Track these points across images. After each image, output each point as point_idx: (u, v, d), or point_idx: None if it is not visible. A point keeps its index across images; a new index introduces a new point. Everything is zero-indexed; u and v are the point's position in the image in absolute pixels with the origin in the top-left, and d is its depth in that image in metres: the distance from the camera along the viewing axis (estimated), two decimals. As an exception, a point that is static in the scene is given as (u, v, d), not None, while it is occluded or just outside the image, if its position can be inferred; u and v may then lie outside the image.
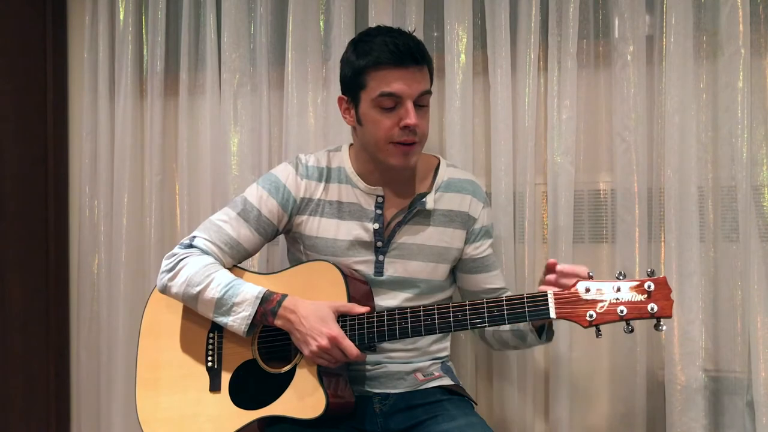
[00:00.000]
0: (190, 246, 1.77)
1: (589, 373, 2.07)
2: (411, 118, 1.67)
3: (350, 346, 1.61)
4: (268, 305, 1.66)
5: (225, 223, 1.79)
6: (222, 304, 1.67)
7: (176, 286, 1.73)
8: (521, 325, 1.74)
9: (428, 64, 1.73)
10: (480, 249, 1.85)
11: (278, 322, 1.66)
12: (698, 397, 1.91)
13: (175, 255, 1.76)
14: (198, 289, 1.69)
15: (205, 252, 1.76)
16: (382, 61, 1.67)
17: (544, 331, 1.74)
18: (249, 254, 1.83)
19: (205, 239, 1.77)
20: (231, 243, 1.78)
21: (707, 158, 1.96)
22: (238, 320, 1.66)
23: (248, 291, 1.67)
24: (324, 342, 1.60)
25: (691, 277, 1.92)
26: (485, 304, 1.59)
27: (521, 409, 2.06)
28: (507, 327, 1.78)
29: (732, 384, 1.94)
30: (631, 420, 1.99)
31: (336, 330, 1.61)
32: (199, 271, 1.71)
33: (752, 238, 1.89)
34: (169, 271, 1.75)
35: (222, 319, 1.68)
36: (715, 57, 1.95)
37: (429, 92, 1.73)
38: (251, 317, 1.65)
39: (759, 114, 1.92)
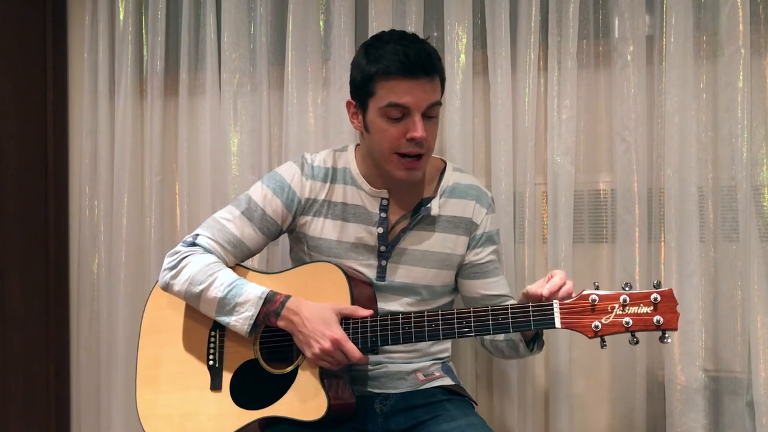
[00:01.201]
0: (193, 244, 1.77)
1: (589, 373, 2.07)
2: (418, 131, 1.65)
3: (353, 349, 1.60)
4: (271, 306, 1.66)
5: (229, 221, 1.78)
6: (225, 304, 1.67)
7: (178, 284, 1.73)
8: (513, 336, 1.73)
9: (440, 74, 1.71)
10: (480, 255, 1.83)
11: (281, 323, 1.65)
12: (698, 397, 1.91)
13: (177, 253, 1.76)
14: (201, 287, 1.69)
15: (208, 250, 1.75)
16: (392, 71, 1.64)
17: (535, 342, 1.72)
18: (252, 253, 1.83)
19: (209, 237, 1.77)
20: (234, 242, 1.77)
21: (707, 158, 1.96)
22: (240, 320, 1.66)
23: (251, 291, 1.67)
24: (326, 344, 1.60)
25: (691, 277, 1.92)
26: (490, 312, 1.58)
27: (521, 408, 2.06)
28: (502, 336, 1.78)
29: (732, 384, 1.94)
30: (631, 420, 1.99)
31: (339, 332, 1.61)
32: (202, 269, 1.70)
33: (752, 238, 1.89)
34: (172, 268, 1.74)
35: (224, 319, 1.68)
36: (715, 57, 1.95)
37: (439, 103, 1.71)
38: (254, 317, 1.65)
39: (759, 114, 1.92)
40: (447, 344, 1.89)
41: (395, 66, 1.64)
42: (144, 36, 2.39)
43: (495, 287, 1.84)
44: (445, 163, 1.87)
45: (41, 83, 2.45)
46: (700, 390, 1.91)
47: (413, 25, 2.11)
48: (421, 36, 1.77)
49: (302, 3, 2.21)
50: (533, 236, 2.06)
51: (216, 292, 1.67)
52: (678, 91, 1.94)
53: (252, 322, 1.65)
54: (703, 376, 1.92)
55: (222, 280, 1.68)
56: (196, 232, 1.80)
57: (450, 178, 1.83)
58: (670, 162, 1.94)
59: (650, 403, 1.99)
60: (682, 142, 1.94)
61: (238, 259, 1.80)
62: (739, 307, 1.91)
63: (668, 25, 1.94)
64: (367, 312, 1.65)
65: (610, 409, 2.05)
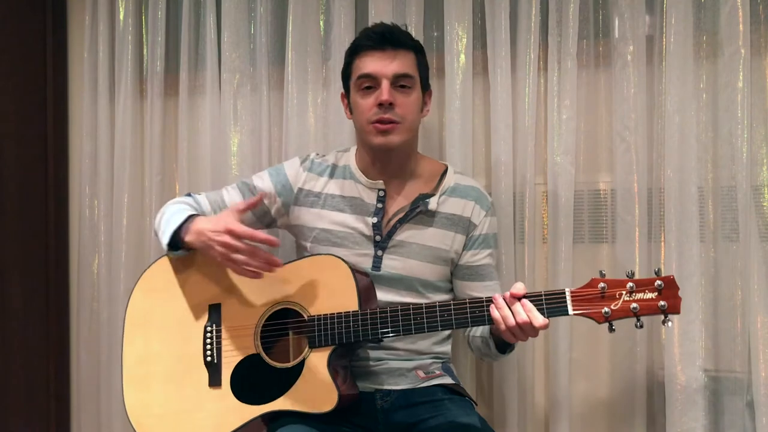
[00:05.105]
0: (188, 195, 1.90)
1: (589, 373, 2.07)
2: (383, 95, 1.73)
3: (247, 230, 1.62)
4: (185, 225, 1.73)
5: (225, 190, 1.90)
6: (161, 228, 1.77)
7: (156, 222, 1.83)
8: (487, 336, 1.74)
9: (412, 48, 1.79)
10: (477, 257, 1.84)
11: (188, 239, 1.71)
12: (698, 397, 1.91)
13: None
14: (164, 216, 1.80)
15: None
16: (361, 46, 1.78)
17: (509, 345, 1.71)
18: None
19: (204, 195, 1.90)
20: (222, 206, 1.85)
21: (707, 158, 1.96)
22: (165, 238, 1.74)
23: (183, 214, 1.75)
24: (224, 238, 1.62)
25: (691, 277, 1.92)
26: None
27: (521, 409, 2.06)
28: (479, 333, 1.79)
29: (732, 384, 1.94)
30: (631, 420, 1.99)
31: (229, 221, 1.64)
32: (175, 205, 1.81)
33: (752, 238, 1.89)
34: (161, 213, 1.84)
35: (163, 240, 1.76)
36: (715, 57, 1.95)
37: (409, 76, 1.76)
38: (172, 233, 1.72)
39: (759, 114, 1.92)
40: (447, 346, 1.90)
41: (363, 41, 1.79)
42: (144, 36, 2.39)
43: (487, 291, 1.82)
44: (447, 167, 1.89)
45: (41, 83, 2.45)
46: (700, 390, 1.91)
47: (413, 26, 2.11)
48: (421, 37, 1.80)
49: (302, 3, 2.21)
50: (533, 236, 2.06)
51: (167, 216, 1.78)
52: (678, 91, 1.94)
53: (170, 235, 1.72)
54: (703, 376, 1.92)
55: (178, 208, 1.79)
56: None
57: (451, 180, 1.85)
58: (670, 162, 1.94)
59: (650, 403, 1.99)
60: (682, 142, 1.94)
61: None
62: (739, 307, 1.91)
63: (668, 25, 1.94)
64: (256, 200, 1.74)
65: (610, 409, 2.05)
